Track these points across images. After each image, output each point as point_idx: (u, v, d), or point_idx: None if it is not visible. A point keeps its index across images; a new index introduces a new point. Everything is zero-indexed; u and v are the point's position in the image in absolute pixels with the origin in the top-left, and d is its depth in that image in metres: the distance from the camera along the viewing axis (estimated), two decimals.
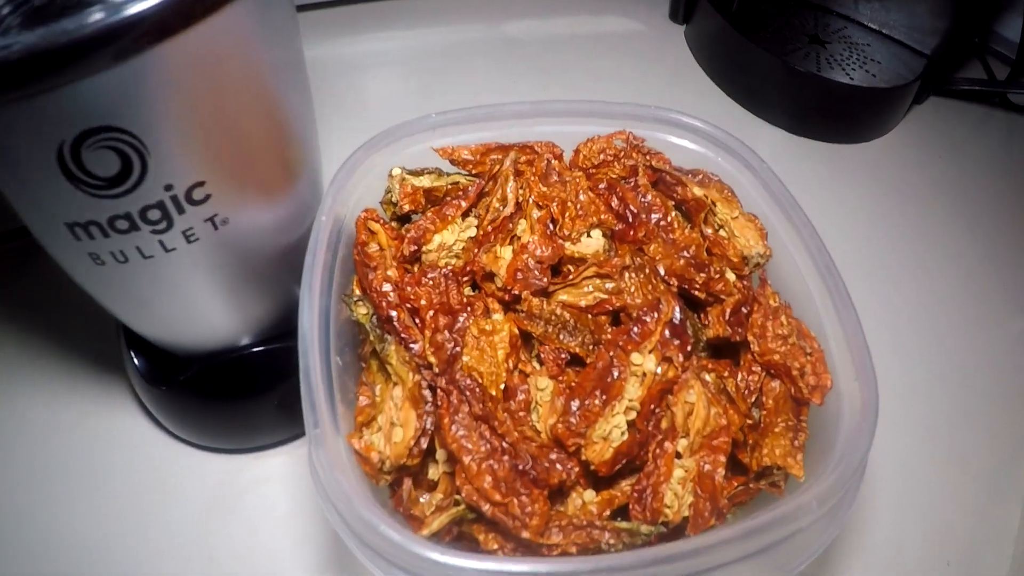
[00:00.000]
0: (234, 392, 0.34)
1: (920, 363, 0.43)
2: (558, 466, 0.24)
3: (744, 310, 0.29)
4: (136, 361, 0.34)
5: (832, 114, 0.52)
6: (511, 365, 0.27)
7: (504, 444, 0.25)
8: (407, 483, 0.26)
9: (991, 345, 0.44)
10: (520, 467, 0.24)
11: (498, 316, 0.27)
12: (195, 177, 0.24)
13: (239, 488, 0.35)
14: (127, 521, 0.34)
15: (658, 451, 0.25)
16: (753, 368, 0.28)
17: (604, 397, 0.25)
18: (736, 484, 0.27)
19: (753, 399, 0.28)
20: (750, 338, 0.28)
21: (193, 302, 0.30)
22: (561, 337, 0.27)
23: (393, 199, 0.32)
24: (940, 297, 0.46)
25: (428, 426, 0.25)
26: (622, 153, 0.33)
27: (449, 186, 0.32)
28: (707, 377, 0.27)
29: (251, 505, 0.35)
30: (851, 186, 0.51)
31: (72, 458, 0.35)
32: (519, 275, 0.28)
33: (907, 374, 0.42)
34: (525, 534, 0.23)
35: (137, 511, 0.34)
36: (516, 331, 0.27)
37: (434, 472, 0.26)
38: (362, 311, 0.28)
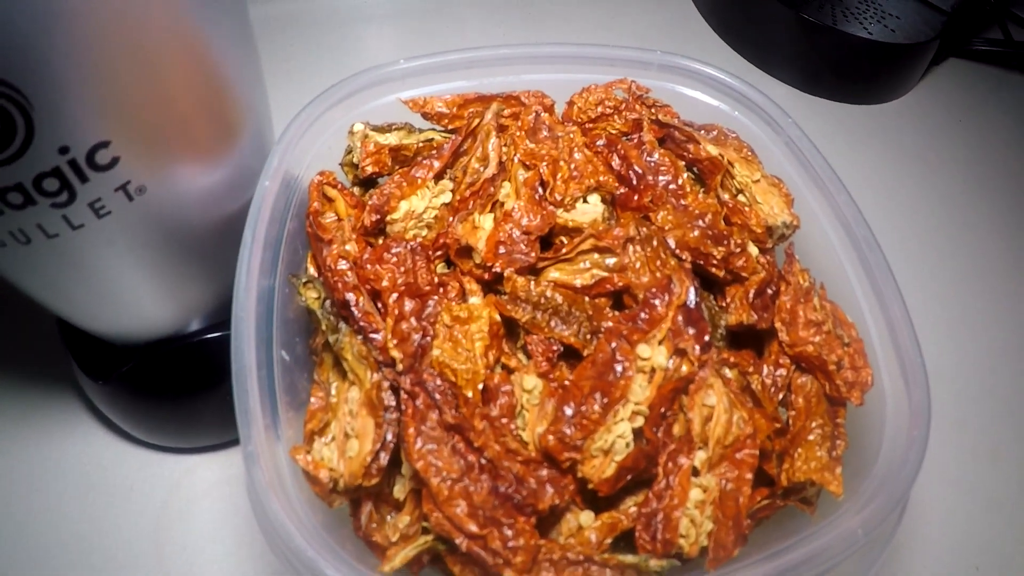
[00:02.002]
0: (182, 385, 0.28)
1: (941, 349, 0.37)
2: (548, 487, 0.18)
3: (770, 291, 0.23)
4: (73, 353, 0.28)
5: (848, 71, 0.45)
6: (491, 360, 0.20)
7: (482, 460, 0.19)
8: (367, 506, 0.20)
9: (1020, 325, 0.38)
10: (501, 489, 0.18)
11: (476, 299, 0.21)
12: (96, 136, 0.18)
13: (195, 491, 0.29)
14: (72, 527, 0.28)
15: (671, 466, 0.19)
16: (780, 361, 0.22)
17: (605, 400, 0.19)
18: (759, 498, 0.21)
19: (780, 397, 0.22)
20: (778, 325, 0.22)
21: (117, 287, 0.23)
22: (552, 325, 0.21)
23: (354, 160, 0.25)
24: (958, 272, 0.40)
25: (389, 438, 0.19)
26: (623, 105, 0.27)
27: (421, 144, 0.25)
28: (728, 373, 0.21)
29: (208, 509, 0.29)
30: (865, 150, 0.45)
31: (13, 459, 0.30)
32: (501, 249, 0.22)
33: (928, 361, 0.36)
34: (508, 573, 0.17)
35: (84, 516, 0.28)
36: (498, 318, 0.21)
37: (400, 490, 0.20)
38: (312, 295, 0.22)
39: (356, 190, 0.26)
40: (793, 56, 0.45)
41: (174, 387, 0.28)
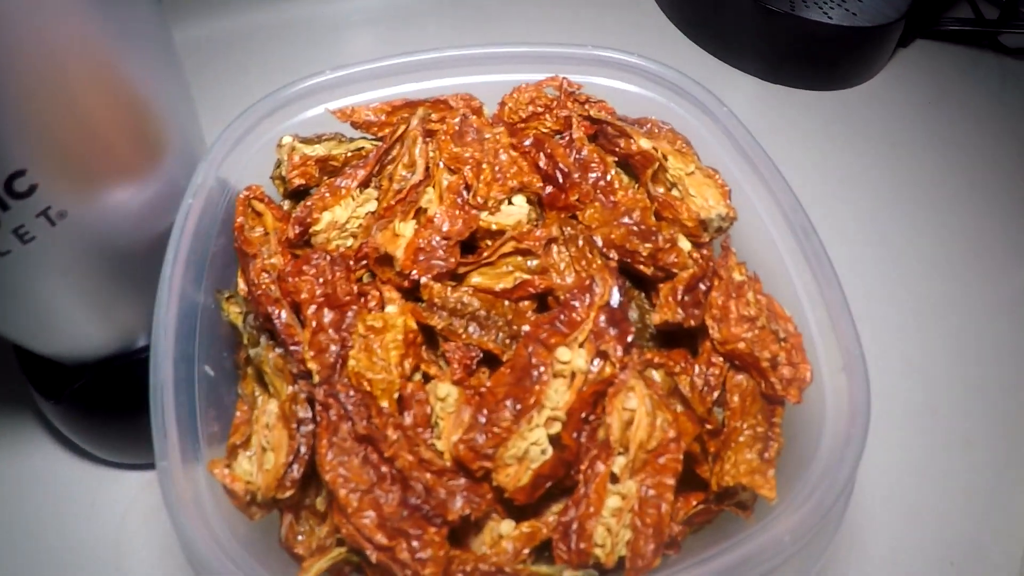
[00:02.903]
0: (132, 401, 0.28)
1: (912, 335, 0.35)
2: (458, 498, 0.18)
3: (702, 287, 0.22)
4: (26, 372, 0.28)
5: (810, 58, 0.44)
6: (407, 369, 0.20)
7: (394, 471, 0.18)
8: (288, 518, 0.20)
9: (992, 309, 0.36)
10: (411, 500, 0.17)
11: (392, 308, 0.21)
12: (12, 165, 0.18)
13: (152, 505, 0.29)
14: (36, 544, 0.28)
15: (589, 473, 0.18)
16: (713, 359, 0.21)
17: (518, 407, 0.18)
18: (694, 503, 0.20)
19: (715, 397, 0.21)
20: (708, 322, 0.21)
21: (52, 308, 0.23)
22: (470, 331, 0.20)
23: (283, 173, 0.25)
24: (931, 258, 0.39)
25: (303, 451, 0.19)
26: (554, 103, 0.26)
27: (350, 154, 0.25)
28: (654, 375, 0.20)
29: (165, 522, 0.28)
30: (832, 137, 0.43)
31: None
32: (420, 256, 0.21)
33: (898, 348, 0.35)
34: None
35: (44, 533, 0.28)
36: (414, 326, 0.20)
37: (322, 501, 0.20)
38: (234, 309, 0.22)
39: (286, 203, 0.25)
40: (755, 46, 0.44)
41: (125, 403, 0.28)
